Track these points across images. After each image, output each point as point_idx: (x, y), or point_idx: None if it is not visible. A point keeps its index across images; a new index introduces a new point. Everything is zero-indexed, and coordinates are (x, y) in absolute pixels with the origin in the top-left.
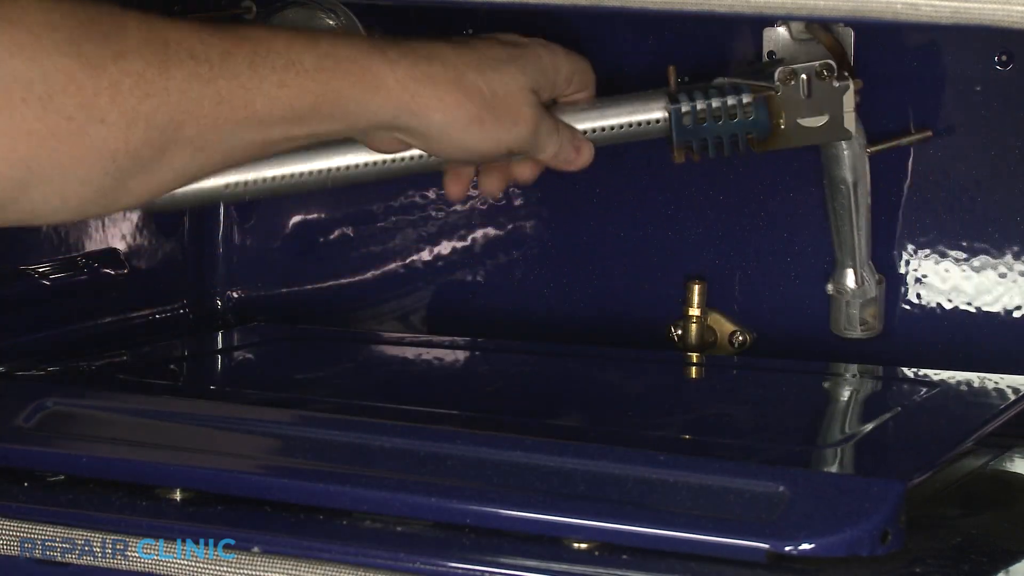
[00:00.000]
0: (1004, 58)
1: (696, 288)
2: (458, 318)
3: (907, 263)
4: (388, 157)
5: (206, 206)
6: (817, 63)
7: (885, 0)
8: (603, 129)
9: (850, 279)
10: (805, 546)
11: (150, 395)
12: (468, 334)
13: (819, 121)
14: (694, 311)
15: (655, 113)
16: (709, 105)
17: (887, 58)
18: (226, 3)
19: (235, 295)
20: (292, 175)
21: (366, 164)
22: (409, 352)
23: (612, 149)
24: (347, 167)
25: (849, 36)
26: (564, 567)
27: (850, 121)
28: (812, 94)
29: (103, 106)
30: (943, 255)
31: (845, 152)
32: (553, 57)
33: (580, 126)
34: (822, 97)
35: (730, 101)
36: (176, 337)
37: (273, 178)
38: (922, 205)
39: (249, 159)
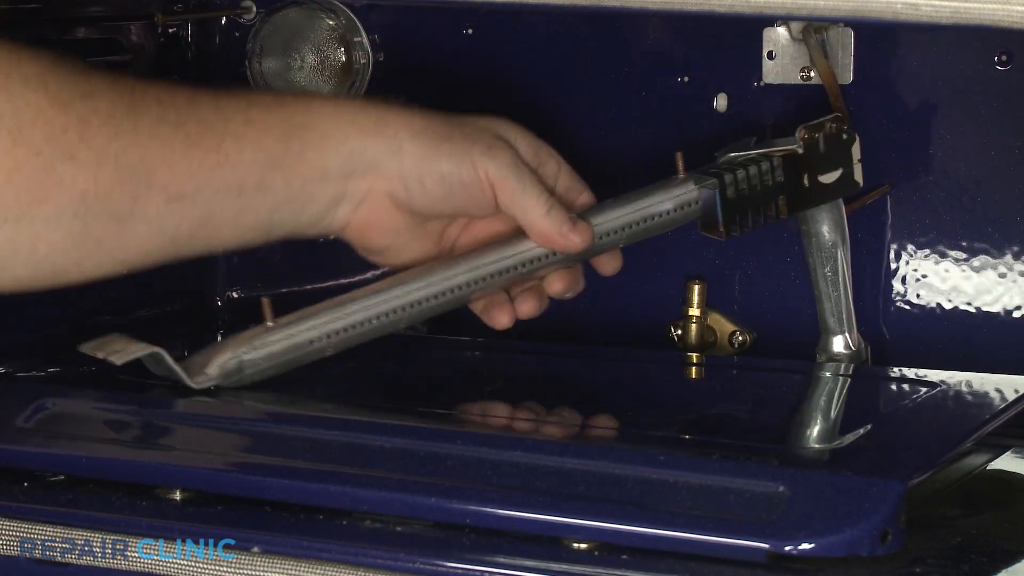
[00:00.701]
0: (1004, 58)
1: (696, 288)
2: (459, 318)
3: (907, 263)
4: (467, 278)
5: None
6: (829, 118)
7: (885, 0)
8: (638, 223)
9: (841, 345)
10: (805, 546)
11: (150, 395)
12: (468, 334)
13: (834, 176)
14: (694, 311)
15: (690, 195)
16: (747, 173)
17: (887, 58)
18: (226, 3)
19: (235, 295)
20: (371, 319)
21: (444, 292)
22: (409, 352)
23: (613, 149)
24: (425, 299)
25: (849, 36)
26: (564, 567)
27: (859, 173)
28: (828, 150)
29: (72, 142)
30: (943, 255)
31: (834, 214)
32: (528, 131)
33: (608, 225)
34: (835, 152)
35: (764, 166)
36: (176, 337)
37: (353, 325)
38: (922, 205)
39: (233, 222)
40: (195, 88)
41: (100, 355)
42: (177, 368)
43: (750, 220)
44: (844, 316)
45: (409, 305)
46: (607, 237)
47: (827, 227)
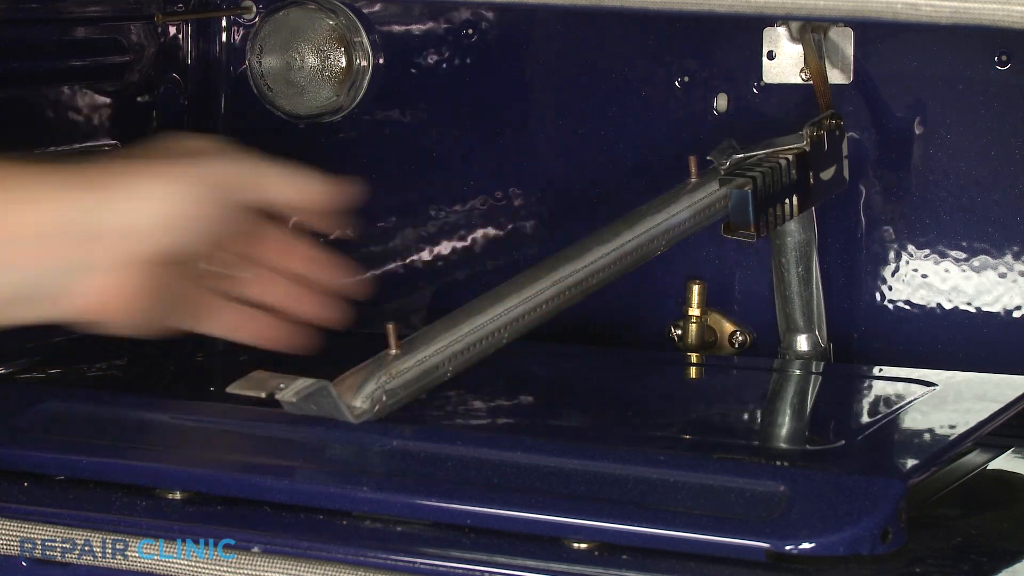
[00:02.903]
0: (1004, 58)
1: (696, 288)
2: None
3: (907, 263)
4: (555, 290)
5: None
6: (827, 115)
7: (885, 0)
8: (673, 229)
9: (808, 343)
10: (805, 545)
11: (151, 397)
12: None
13: (831, 172)
14: (694, 311)
15: (717, 196)
16: (767, 172)
17: (887, 58)
18: (226, 3)
19: None
20: (481, 339)
21: (537, 307)
22: None
23: (614, 149)
24: (522, 315)
25: (849, 36)
26: (564, 567)
27: (846, 169)
28: (828, 146)
29: None
30: (943, 255)
31: (804, 213)
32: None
33: (654, 231)
34: (832, 148)
35: (783, 165)
36: (177, 339)
37: (469, 347)
38: (922, 205)
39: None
40: None
41: (262, 394)
42: (342, 403)
43: (771, 219)
44: (814, 315)
45: (512, 322)
46: (650, 244)
47: (798, 226)
